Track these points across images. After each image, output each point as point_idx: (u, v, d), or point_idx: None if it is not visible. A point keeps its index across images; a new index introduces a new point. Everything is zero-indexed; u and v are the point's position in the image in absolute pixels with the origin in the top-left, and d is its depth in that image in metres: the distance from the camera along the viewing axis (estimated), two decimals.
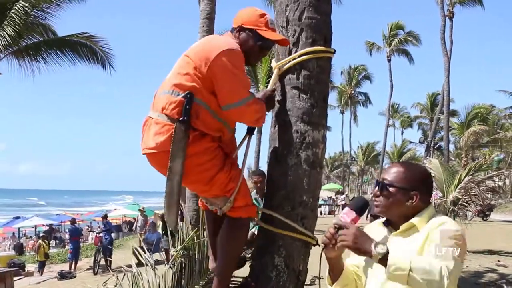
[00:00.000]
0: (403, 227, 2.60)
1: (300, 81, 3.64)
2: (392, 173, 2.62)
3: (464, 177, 16.30)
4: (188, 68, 3.33)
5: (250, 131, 3.77)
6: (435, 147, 46.82)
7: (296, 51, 3.66)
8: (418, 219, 2.57)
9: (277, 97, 3.73)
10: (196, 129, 3.35)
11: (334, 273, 2.76)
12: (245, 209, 3.54)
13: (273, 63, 3.78)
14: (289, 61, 3.66)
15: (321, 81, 3.69)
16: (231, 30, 3.62)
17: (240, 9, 3.64)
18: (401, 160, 74.33)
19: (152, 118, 3.43)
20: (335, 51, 3.76)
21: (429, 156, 39.63)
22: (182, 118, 3.28)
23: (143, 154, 3.47)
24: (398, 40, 56.45)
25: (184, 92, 3.30)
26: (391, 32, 56.92)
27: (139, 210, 30.09)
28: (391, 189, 2.58)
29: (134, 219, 45.00)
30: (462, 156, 45.80)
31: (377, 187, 2.65)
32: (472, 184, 16.07)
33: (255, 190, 7.72)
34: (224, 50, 3.28)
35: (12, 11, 17.88)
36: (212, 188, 3.48)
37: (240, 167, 3.61)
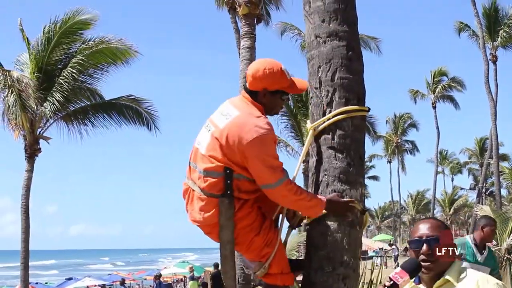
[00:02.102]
0: (437, 284, 2.65)
1: (335, 141, 3.66)
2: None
3: None
4: (219, 153, 3.38)
5: None
6: (487, 193, 45.81)
7: (330, 112, 3.69)
8: (451, 275, 2.63)
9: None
10: (240, 198, 3.45)
11: None
12: (280, 277, 3.54)
13: (308, 124, 3.82)
14: (324, 122, 3.69)
15: (356, 139, 3.71)
16: (247, 91, 3.54)
17: (255, 66, 3.54)
18: (453, 208, 72.88)
19: (194, 190, 3.51)
20: (369, 109, 3.79)
21: (481, 202, 38.79)
22: (225, 192, 3.39)
23: (191, 222, 3.58)
24: (442, 87, 55.83)
25: (222, 171, 3.38)
26: (435, 79, 56.39)
27: (189, 268, 30.14)
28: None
29: (185, 277, 44.94)
30: None
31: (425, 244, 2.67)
32: None
33: (472, 235, 6.93)
34: (255, 139, 3.29)
35: (61, 77, 18.45)
36: (249, 251, 3.55)
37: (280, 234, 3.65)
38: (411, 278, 2.68)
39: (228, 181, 3.38)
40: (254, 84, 3.50)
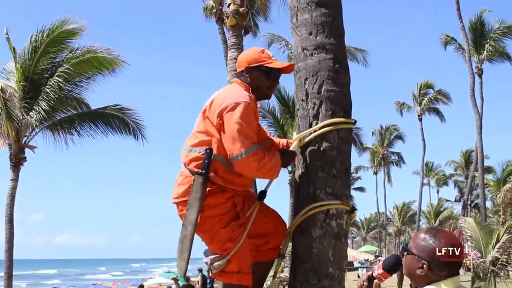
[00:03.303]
0: None
1: (321, 153, 3.67)
2: (415, 237, 2.63)
3: (502, 235, 15.90)
4: (205, 126, 3.56)
5: (261, 197, 3.80)
6: (472, 205, 45.99)
7: (316, 123, 3.71)
8: None
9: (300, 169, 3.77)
10: (215, 183, 3.52)
11: None
12: (237, 275, 3.57)
13: (295, 136, 3.82)
14: (310, 134, 3.70)
15: (342, 152, 3.73)
16: (237, 76, 3.80)
17: (243, 52, 3.92)
18: (438, 220, 73.12)
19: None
20: (355, 121, 3.81)
21: (466, 214, 38.93)
22: (200, 171, 3.47)
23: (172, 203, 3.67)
24: (428, 99, 56.08)
25: (203, 149, 3.50)
26: (421, 91, 56.65)
27: (173, 278, 29.91)
28: (408, 252, 2.58)
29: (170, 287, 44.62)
30: (500, 213, 44.78)
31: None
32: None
33: None
34: (232, 103, 3.43)
35: (47, 86, 18.33)
36: (212, 242, 3.59)
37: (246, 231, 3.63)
38: (390, 274, 2.74)
39: (206, 161, 3.48)
40: (240, 65, 3.78)
